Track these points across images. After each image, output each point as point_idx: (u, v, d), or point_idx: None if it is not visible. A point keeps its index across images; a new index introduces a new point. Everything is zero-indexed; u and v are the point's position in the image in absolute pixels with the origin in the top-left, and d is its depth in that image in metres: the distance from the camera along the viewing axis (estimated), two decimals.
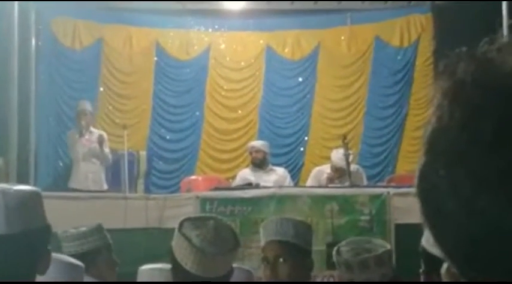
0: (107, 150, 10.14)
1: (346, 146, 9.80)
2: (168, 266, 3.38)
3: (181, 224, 3.23)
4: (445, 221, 0.86)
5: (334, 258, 4.05)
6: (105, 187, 10.27)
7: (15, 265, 2.25)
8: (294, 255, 3.98)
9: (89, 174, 10.10)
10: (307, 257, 4.05)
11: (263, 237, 4.09)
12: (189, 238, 3.15)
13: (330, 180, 9.79)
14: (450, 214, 0.85)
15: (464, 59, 0.87)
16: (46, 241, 2.40)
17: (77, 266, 3.49)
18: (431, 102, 0.89)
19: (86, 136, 10.08)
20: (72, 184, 10.12)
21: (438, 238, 0.89)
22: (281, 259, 3.97)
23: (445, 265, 2.18)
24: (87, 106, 10.33)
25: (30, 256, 2.28)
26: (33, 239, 2.31)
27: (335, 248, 4.07)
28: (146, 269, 4.00)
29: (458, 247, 0.86)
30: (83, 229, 4.59)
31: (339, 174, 9.77)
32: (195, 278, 3.12)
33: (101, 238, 4.60)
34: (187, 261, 3.16)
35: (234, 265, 3.35)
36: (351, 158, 9.76)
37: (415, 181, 0.89)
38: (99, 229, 4.64)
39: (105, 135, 10.26)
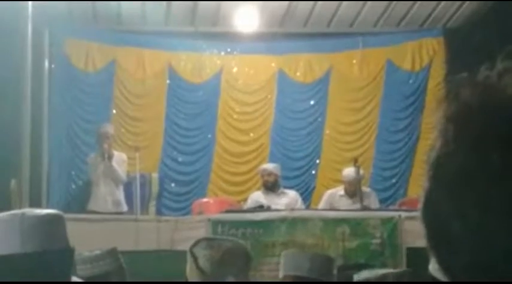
0: (123, 170, 10.20)
1: (357, 169, 9.83)
2: None
3: (196, 243, 3.24)
4: (451, 247, 0.85)
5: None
6: (126, 208, 10.28)
7: None
8: None
9: (108, 197, 10.13)
10: None
11: (281, 269, 4.16)
12: (196, 258, 3.16)
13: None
14: (456, 240, 0.84)
15: (466, 85, 0.88)
16: (65, 264, 2.41)
17: None
18: (435, 127, 0.89)
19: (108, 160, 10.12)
20: (92, 206, 10.14)
21: (443, 264, 0.88)
22: None
23: None
24: (109, 129, 10.38)
25: (46, 278, 2.29)
26: (50, 261, 2.32)
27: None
28: None
29: (465, 273, 0.85)
30: (97, 252, 4.59)
31: (353, 188, 9.82)
32: None
33: (113, 262, 4.59)
34: (192, 279, 3.18)
35: None
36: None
37: (420, 206, 0.90)
38: (112, 252, 4.63)
39: (124, 156, 10.36)
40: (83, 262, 4.51)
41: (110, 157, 10.07)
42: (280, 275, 4.17)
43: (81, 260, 4.51)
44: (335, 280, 4.12)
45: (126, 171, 10.33)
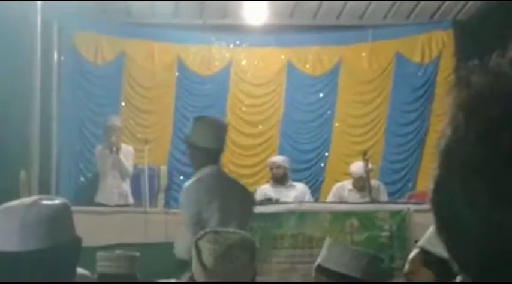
0: (130, 163, 10.20)
1: (366, 162, 9.82)
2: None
3: (202, 235, 3.23)
4: (461, 234, 0.85)
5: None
6: (132, 200, 10.31)
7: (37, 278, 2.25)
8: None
9: (114, 189, 10.14)
10: None
11: (319, 257, 4.11)
12: (200, 251, 3.16)
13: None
14: (466, 227, 0.84)
15: (477, 72, 0.87)
16: (71, 256, 2.40)
17: (85, 276, 3.50)
18: (445, 114, 0.89)
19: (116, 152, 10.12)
20: (99, 198, 10.15)
21: (453, 251, 0.88)
22: None
23: (458, 278, 2.17)
24: (116, 121, 10.37)
25: (52, 270, 2.28)
26: (57, 254, 2.30)
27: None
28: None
29: (475, 260, 0.85)
30: (118, 252, 4.61)
31: (361, 184, 9.80)
32: None
33: (129, 267, 4.62)
34: (196, 273, 3.18)
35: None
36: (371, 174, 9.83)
37: (430, 193, 0.89)
38: (132, 258, 4.65)
39: (132, 149, 10.37)
40: (103, 259, 4.53)
41: (118, 150, 10.08)
42: (316, 263, 4.11)
43: (102, 257, 4.53)
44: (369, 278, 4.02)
45: (132, 163, 10.34)
